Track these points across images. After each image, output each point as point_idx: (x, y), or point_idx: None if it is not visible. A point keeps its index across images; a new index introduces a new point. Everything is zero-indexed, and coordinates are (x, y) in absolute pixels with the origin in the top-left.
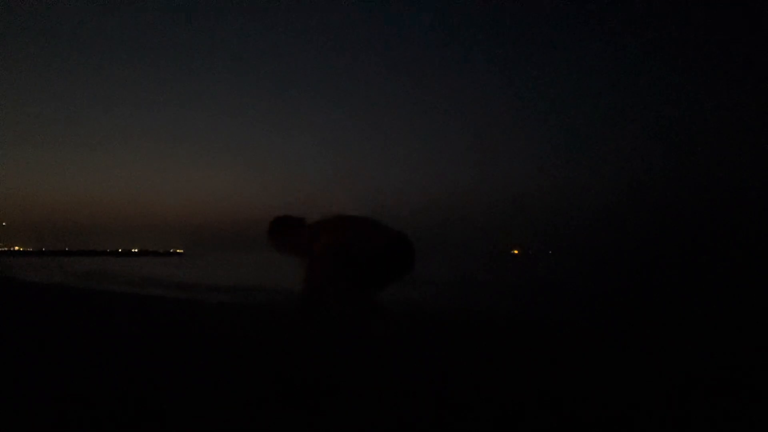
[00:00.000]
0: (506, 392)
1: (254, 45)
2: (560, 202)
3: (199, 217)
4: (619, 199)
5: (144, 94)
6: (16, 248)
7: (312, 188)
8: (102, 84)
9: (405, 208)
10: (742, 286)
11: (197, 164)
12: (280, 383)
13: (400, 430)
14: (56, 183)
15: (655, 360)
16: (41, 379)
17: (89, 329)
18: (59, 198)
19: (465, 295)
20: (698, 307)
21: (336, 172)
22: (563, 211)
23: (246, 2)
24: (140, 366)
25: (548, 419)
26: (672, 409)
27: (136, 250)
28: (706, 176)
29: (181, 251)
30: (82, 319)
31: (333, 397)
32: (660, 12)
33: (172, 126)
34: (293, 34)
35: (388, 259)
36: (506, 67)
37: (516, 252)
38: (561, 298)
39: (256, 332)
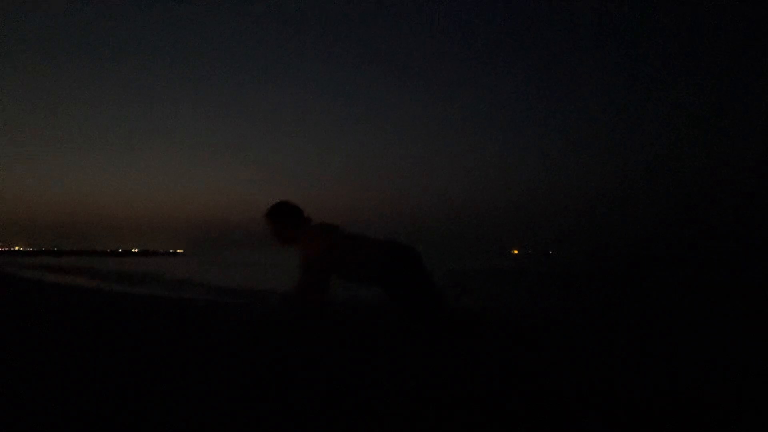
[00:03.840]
0: (505, 392)
1: (257, 45)
2: (560, 202)
3: (199, 217)
4: (619, 199)
5: (144, 93)
6: (16, 248)
7: (313, 189)
8: (102, 84)
9: (405, 208)
10: (742, 285)
11: (198, 164)
12: (274, 383)
13: (399, 431)
14: (56, 183)
15: (655, 359)
16: (38, 378)
17: (85, 328)
18: (59, 198)
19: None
20: (698, 307)
21: (338, 173)
22: (563, 211)
23: (250, 3)
24: (134, 364)
25: (548, 419)
26: (673, 408)
27: (136, 250)
28: (706, 176)
29: (181, 251)
30: (79, 318)
31: (329, 397)
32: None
33: (172, 126)
34: (298, 35)
35: (389, 269)
36: (507, 69)
37: (515, 252)
38: (558, 298)
39: (251, 331)
